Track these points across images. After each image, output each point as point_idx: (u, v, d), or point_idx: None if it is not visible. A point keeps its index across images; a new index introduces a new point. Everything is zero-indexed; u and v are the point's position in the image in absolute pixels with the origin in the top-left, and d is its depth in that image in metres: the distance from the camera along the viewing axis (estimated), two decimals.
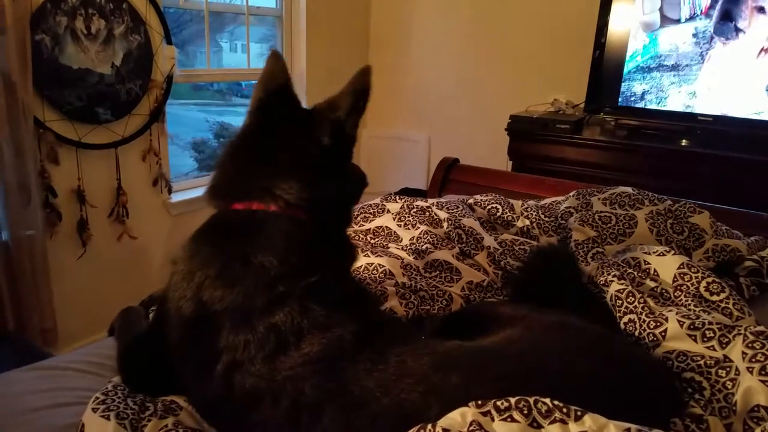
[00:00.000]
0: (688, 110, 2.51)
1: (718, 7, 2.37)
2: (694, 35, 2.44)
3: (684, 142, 2.49)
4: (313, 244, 0.85)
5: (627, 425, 0.60)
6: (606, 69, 2.63)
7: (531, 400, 0.63)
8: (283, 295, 0.76)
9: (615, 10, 2.56)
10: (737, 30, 2.35)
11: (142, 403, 0.83)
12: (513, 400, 0.63)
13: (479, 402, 0.64)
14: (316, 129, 0.90)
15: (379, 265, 1.27)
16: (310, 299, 0.76)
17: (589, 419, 0.61)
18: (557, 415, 0.61)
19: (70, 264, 2.27)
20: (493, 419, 0.62)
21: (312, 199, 0.86)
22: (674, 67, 2.51)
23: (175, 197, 2.67)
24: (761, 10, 2.29)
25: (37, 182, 2.01)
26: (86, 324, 2.33)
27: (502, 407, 0.63)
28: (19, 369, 0.97)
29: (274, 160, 0.89)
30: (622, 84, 2.62)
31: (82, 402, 0.84)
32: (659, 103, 2.59)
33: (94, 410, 0.80)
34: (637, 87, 2.61)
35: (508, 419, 0.62)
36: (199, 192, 2.92)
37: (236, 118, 4.71)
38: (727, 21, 2.37)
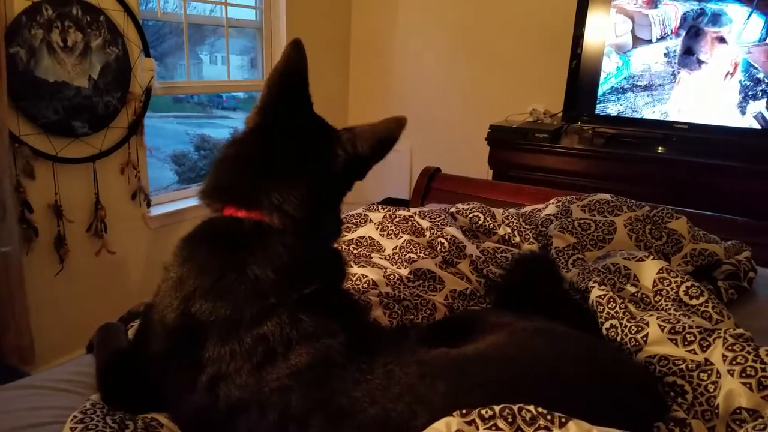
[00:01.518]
0: (670, 119, 2.56)
1: (680, 43, 2.46)
2: (666, 54, 2.52)
3: (660, 150, 2.54)
4: (310, 257, 0.83)
5: (611, 431, 0.61)
6: (583, 78, 2.68)
7: (515, 407, 0.63)
8: (274, 307, 0.74)
9: (590, 21, 2.62)
10: (699, 62, 2.45)
11: (122, 422, 0.81)
12: (497, 409, 0.63)
13: (464, 411, 0.63)
14: (331, 156, 0.86)
15: (363, 275, 1.27)
16: (300, 310, 0.75)
17: (574, 426, 0.61)
18: (541, 422, 0.61)
19: (48, 280, 2.22)
20: (477, 428, 0.62)
21: (316, 218, 0.84)
22: (647, 87, 2.58)
23: (155, 210, 2.64)
24: (722, 40, 2.40)
25: (13, 197, 1.97)
26: (64, 341, 2.28)
27: (487, 416, 0.63)
28: None
29: (282, 172, 0.84)
30: (597, 106, 2.68)
31: (60, 421, 0.82)
32: None
33: (72, 429, 0.78)
34: (612, 108, 2.66)
35: (493, 428, 0.62)
36: (179, 205, 2.91)
37: (217, 130, 4.69)
38: (689, 55, 2.46)
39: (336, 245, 0.99)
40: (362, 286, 1.24)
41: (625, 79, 2.61)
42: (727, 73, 2.41)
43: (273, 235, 0.80)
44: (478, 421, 0.62)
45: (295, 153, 0.86)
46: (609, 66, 2.62)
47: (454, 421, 0.63)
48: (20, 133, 2.02)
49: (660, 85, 2.55)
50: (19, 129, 2.02)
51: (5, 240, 1.95)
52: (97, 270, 2.41)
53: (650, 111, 2.59)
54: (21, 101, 2.00)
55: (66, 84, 2.12)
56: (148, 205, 2.58)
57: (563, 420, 0.61)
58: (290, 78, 0.91)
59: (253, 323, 0.73)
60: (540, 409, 0.62)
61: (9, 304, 1.99)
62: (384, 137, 0.87)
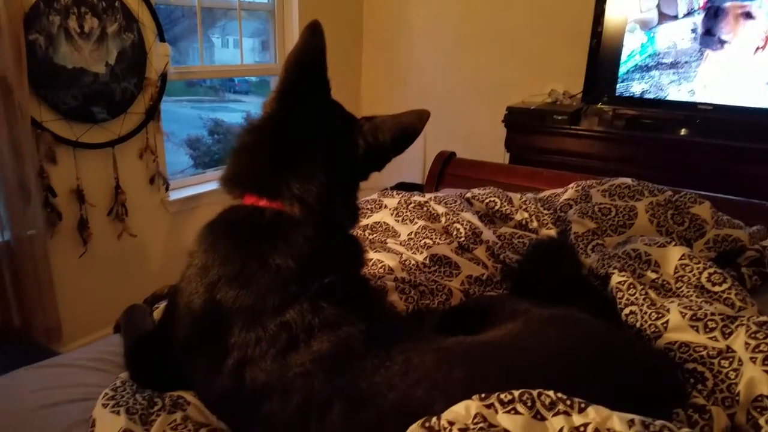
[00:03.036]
0: (693, 100, 2.48)
1: (700, 23, 2.37)
2: (693, 30, 2.43)
3: (683, 132, 2.49)
4: (329, 247, 0.84)
5: (630, 416, 0.60)
6: (603, 58, 2.62)
7: (534, 392, 0.63)
8: (296, 295, 0.76)
9: None
10: (721, 42, 2.36)
11: (151, 399, 0.84)
12: (516, 393, 0.64)
13: (483, 395, 0.64)
14: (351, 146, 0.85)
15: (378, 260, 1.28)
16: (321, 299, 0.76)
17: (593, 411, 0.61)
18: (561, 407, 0.62)
19: (72, 263, 2.27)
20: (496, 411, 0.62)
21: (335, 208, 0.85)
22: (673, 65, 2.49)
23: (173, 195, 2.67)
24: (748, 15, 2.30)
25: (37, 182, 2.01)
26: (89, 321, 2.34)
27: (506, 400, 0.63)
28: (27, 367, 0.98)
29: (304, 163, 0.84)
30: (621, 84, 2.61)
31: (92, 398, 0.86)
32: None
33: (104, 405, 0.82)
34: (636, 86, 2.59)
35: (512, 411, 0.62)
36: (196, 190, 2.93)
37: (229, 114, 4.70)
38: (710, 36, 2.37)
39: (353, 232, 0.99)
40: (378, 272, 1.25)
41: (649, 56, 2.53)
42: (757, 48, 2.32)
43: (293, 226, 0.81)
44: (497, 404, 0.63)
45: (314, 142, 0.86)
46: (633, 43, 2.54)
47: (473, 404, 0.63)
48: (42, 119, 2.05)
49: (686, 62, 2.46)
50: (41, 115, 2.05)
51: (31, 224, 1.99)
52: (119, 252, 2.45)
53: (675, 89, 2.51)
54: (41, 88, 2.02)
55: (84, 70, 2.14)
56: (167, 190, 2.61)
57: (582, 405, 0.62)
58: (308, 62, 0.90)
59: (277, 311, 0.75)
60: (559, 394, 0.63)
61: (36, 285, 2.05)
62: (406, 129, 0.86)
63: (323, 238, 0.82)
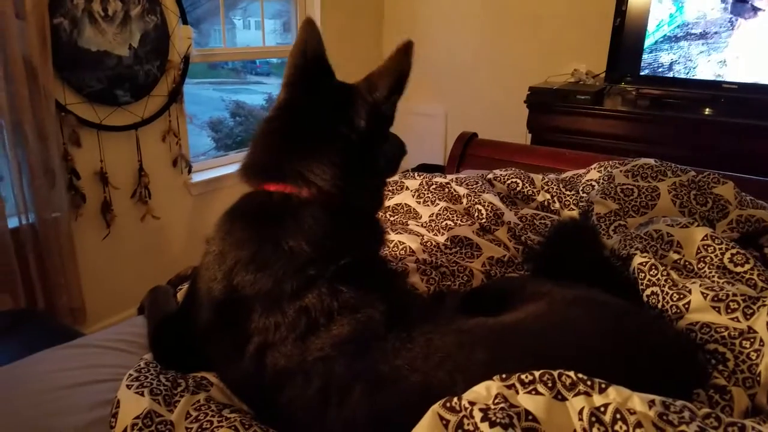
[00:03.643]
0: (718, 79, 2.43)
1: None
2: (723, 0, 2.35)
3: (708, 111, 2.43)
4: (343, 228, 0.84)
5: (651, 397, 0.61)
6: (627, 37, 2.56)
7: (555, 373, 0.64)
8: (314, 279, 0.76)
9: None
10: (755, 9, 2.28)
11: (174, 380, 0.86)
12: (537, 374, 0.64)
13: (504, 376, 0.65)
14: (351, 111, 0.86)
15: (400, 242, 1.28)
16: (339, 282, 0.76)
17: (614, 391, 0.61)
18: (581, 387, 0.62)
19: (96, 244, 2.32)
20: (517, 392, 0.63)
21: (345, 185, 0.84)
22: (703, 36, 2.42)
23: (195, 177, 2.71)
24: None
25: (61, 165, 2.05)
26: (113, 302, 2.40)
27: (527, 380, 0.64)
28: (52, 348, 1.00)
29: (308, 143, 0.86)
30: (650, 55, 2.54)
31: (116, 378, 0.87)
32: (688, 73, 2.51)
33: (129, 387, 0.83)
34: (665, 57, 2.53)
35: (533, 392, 0.63)
36: (218, 172, 2.95)
37: (251, 96, 4.71)
38: (742, 2, 2.29)
39: (375, 214, 0.98)
40: (399, 253, 1.26)
41: (678, 26, 2.46)
42: None
43: (302, 207, 0.81)
44: (518, 385, 0.63)
45: (319, 121, 0.88)
46: (661, 13, 2.47)
47: (494, 385, 0.64)
48: (66, 103, 2.08)
49: (716, 32, 2.38)
50: (65, 98, 2.08)
51: (55, 206, 2.04)
52: (142, 234, 2.50)
53: (705, 60, 2.44)
54: (65, 71, 2.05)
55: (108, 53, 2.16)
56: (189, 172, 2.65)
57: (603, 386, 0.62)
58: (310, 51, 0.92)
59: (295, 295, 0.76)
60: (580, 375, 0.63)
61: (60, 267, 2.10)
62: (397, 72, 0.85)
63: (336, 219, 0.82)
